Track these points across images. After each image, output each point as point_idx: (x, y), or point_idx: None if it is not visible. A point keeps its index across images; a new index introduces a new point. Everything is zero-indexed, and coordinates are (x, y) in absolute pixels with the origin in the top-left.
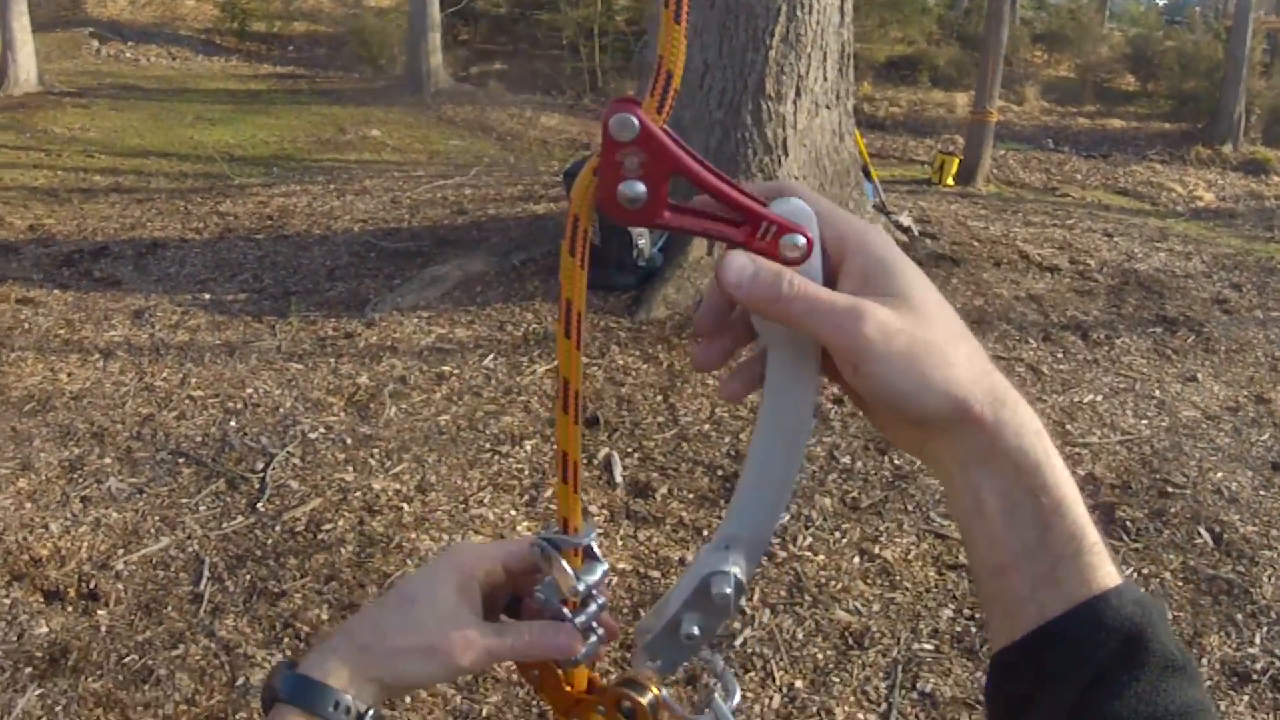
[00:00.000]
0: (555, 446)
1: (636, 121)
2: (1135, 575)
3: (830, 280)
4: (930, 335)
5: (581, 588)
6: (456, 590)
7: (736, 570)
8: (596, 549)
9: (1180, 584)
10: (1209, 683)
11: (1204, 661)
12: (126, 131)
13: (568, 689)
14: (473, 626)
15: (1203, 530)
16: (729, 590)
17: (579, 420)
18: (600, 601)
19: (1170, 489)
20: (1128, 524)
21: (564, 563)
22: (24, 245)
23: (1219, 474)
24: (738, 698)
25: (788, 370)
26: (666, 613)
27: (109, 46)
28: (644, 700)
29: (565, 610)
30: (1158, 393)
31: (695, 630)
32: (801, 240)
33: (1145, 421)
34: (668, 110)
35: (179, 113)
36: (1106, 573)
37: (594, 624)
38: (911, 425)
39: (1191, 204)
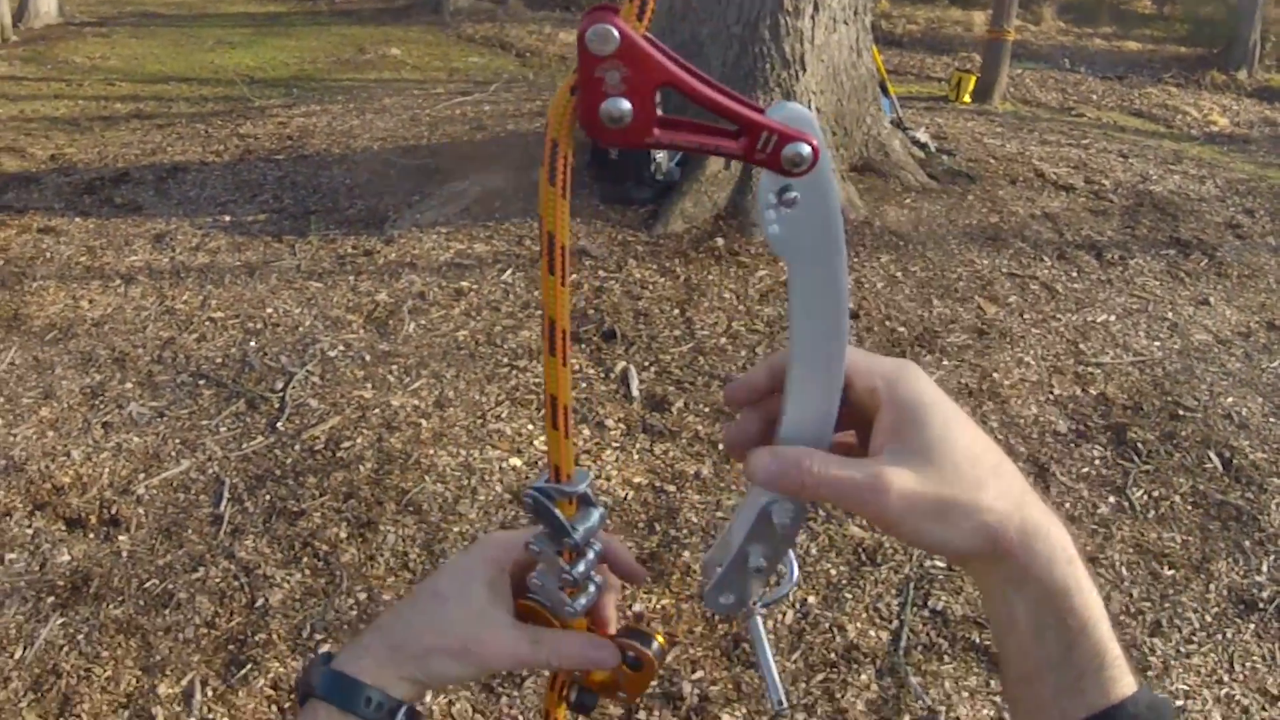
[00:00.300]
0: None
1: (616, 32)
2: (1146, 497)
3: (865, 429)
4: (956, 490)
5: (578, 537)
6: (487, 587)
7: (790, 499)
8: (591, 495)
9: (1190, 508)
10: (1216, 610)
11: (1211, 588)
12: (147, 58)
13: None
14: (505, 629)
15: (1213, 455)
16: (789, 520)
17: (566, 362)
18: (597, 548)
19: (1181, 412)
20: (1139, 445)
21: (558, 513)
22: (45, 175)
23: (1229, 399)
24: (795, 574)
25: (813, 284)
26: (731, 547)
27: None
28: (650, 650)
29: (562, 562)
30: (1170, 315)
31: (762, 562)
32: (806, 149)
33: (1158, 343)
34: (648, 16)
35: (199, 38)
36: (1125, 683)
37: (591, 573)
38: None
39: (1206, 128)
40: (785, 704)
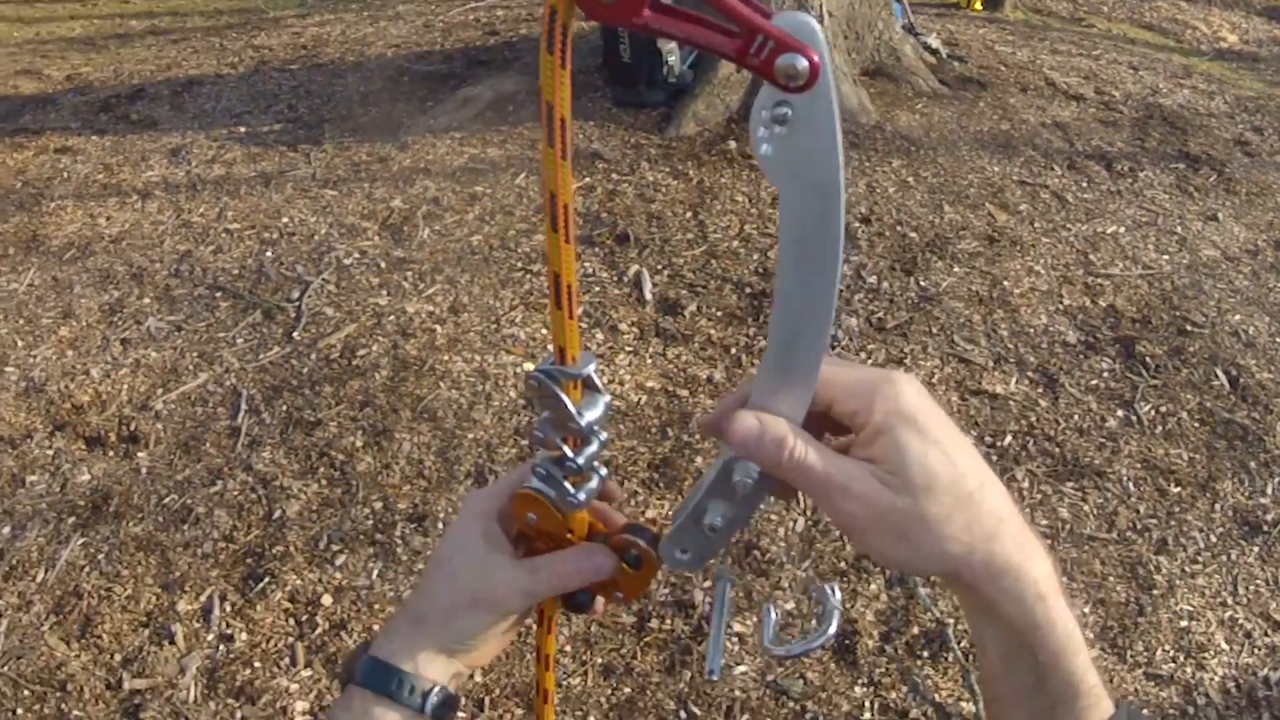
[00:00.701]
0: (546, 268)
1: None
2: (1154, 412)
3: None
4: (924, 511)
5: (584, 423)
6: (482, 539)
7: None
8: (598, 380)
9: (1196, 425)
10: (1220, 530)
11: (1216, 508)
12: None
13: (569, 536)
14: (506, 569)
15: (1219, 372)
16: (751, 479)
17: (570, 239)
18: (602, 438)
19: (1189, 327)
20: (1147, 360)
21: (563, 396)
22: (61, 95)
23: (1237, 316)
24: (833, 628)
25: (806, 215)
26: (691, 501)
27: None
28: (651, 546)
29: (566, 448)
30: (1179, 229)
31: (719, 521)
32: (803, 63)
33: (1166, 257)
34: None
35: None
36: (1102, 708)
37: (595, 464)
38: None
39: (1215, 44)
40: (717, 675)
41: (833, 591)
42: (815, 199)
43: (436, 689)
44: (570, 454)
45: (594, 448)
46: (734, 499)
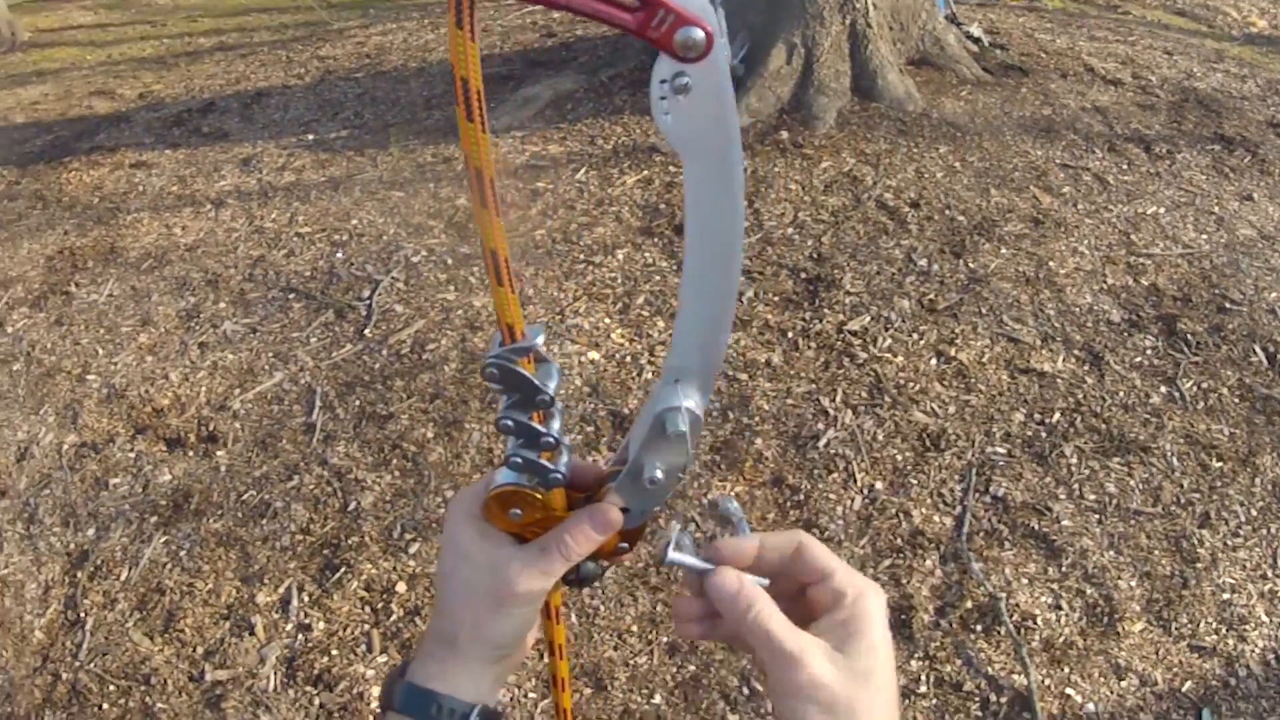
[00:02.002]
0: (483, 245)
1: None
2: (1195, 388)
3: (810, 623)
4: (856, 696)
5: (551, 392)
6: (480, 539)
7: (689, 404)
8: (544, 351)
9: (1236, 400)
10: (1261, 505)
11: (1257, 482)
12: None
13: (556, 515)
14: (515, 559)
15: (1258, 349)
16: (684, 427)
17: (500, 213)
18: (559, 407)
19: (1228, 305)
20: (1188, 337)
21: (526, 373)
22: (135, 113)
23: (1273, 294)
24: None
25: (708, 181)
26: (627, 458)
27: None
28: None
29: (536, 425)
30: (1216, 209)
31: (659, 474)
32: (699, 34)
33: (1205, 236)
34: None
35: None
36: None
37: (562, 438)
38: None
39: (1245, 29)
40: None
41: (731, 500)
42: (715, 163)
43: (476, 710)
44: (542, 429)
45: (558, 420)
46: (668, 448)
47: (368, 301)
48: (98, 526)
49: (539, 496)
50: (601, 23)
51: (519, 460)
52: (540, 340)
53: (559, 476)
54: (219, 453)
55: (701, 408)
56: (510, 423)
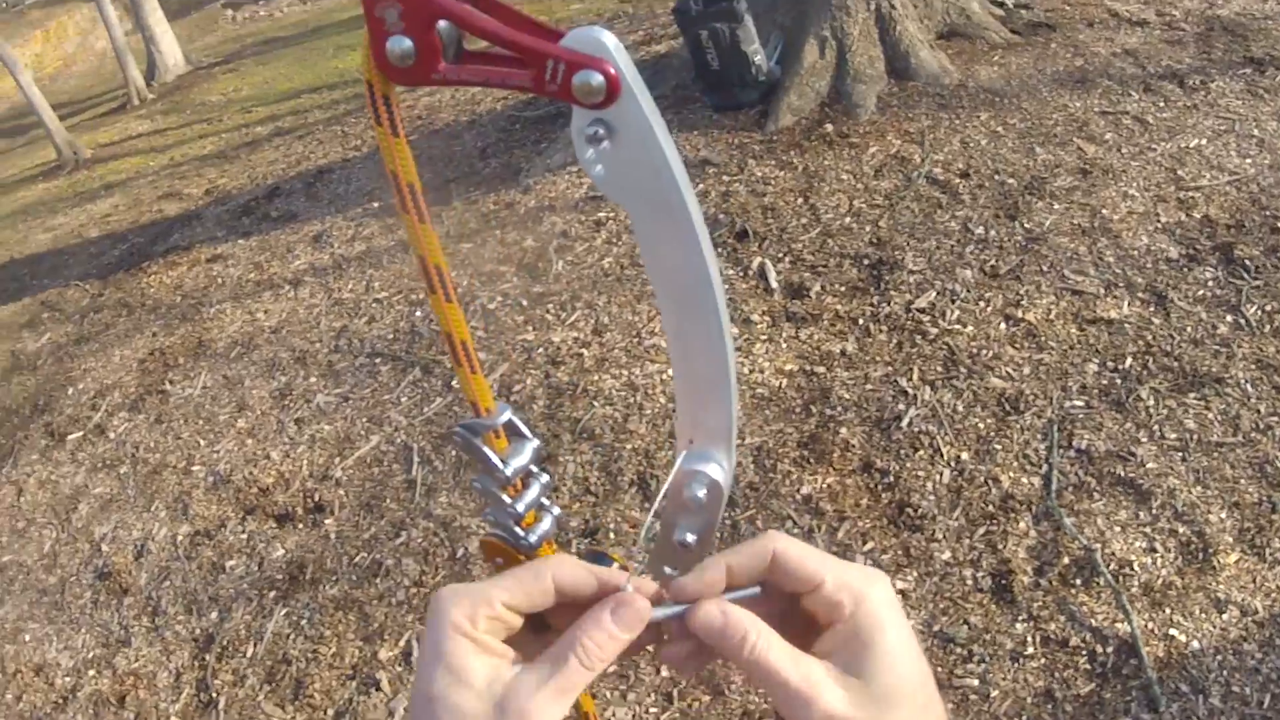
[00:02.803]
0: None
1: None
2: (1260, 313)
3: (815, 631)
4: None
5: (509, 471)
6: (477, 652)
7: (707, 468)
8: (522, 426)
9: None
10: None
11: None
12: (277, 80)
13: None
14: (521, 683)
15: None
16: (702, 493)
17: (452, 298)
18: (544, 480)
19: None
20: (1246, 262)
21: (484, 448)
22: (204, 209)
23: None
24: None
25: (656, 228)
26: (660, 524)
27: (242, 11)
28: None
29: (504, 497)
30: (1256, 131)
31: (689, 537)
32: (597, 78)
33: (1249, 160)
34: None
35: (320, 49)
36: None
37: (544, 501)
38: None
39: None
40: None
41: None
42: (659, 207)
43: None
44: (509, 501)
45: (534, 491)
46: (693, 512)
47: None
48: (220, 609)
49: (520, 558)
50: (503, 89)
51: (491, 519)
52: (505, 417)
53: (526, 545)
54: (327, 521)
55: (725, 469)
56: (479, 488)
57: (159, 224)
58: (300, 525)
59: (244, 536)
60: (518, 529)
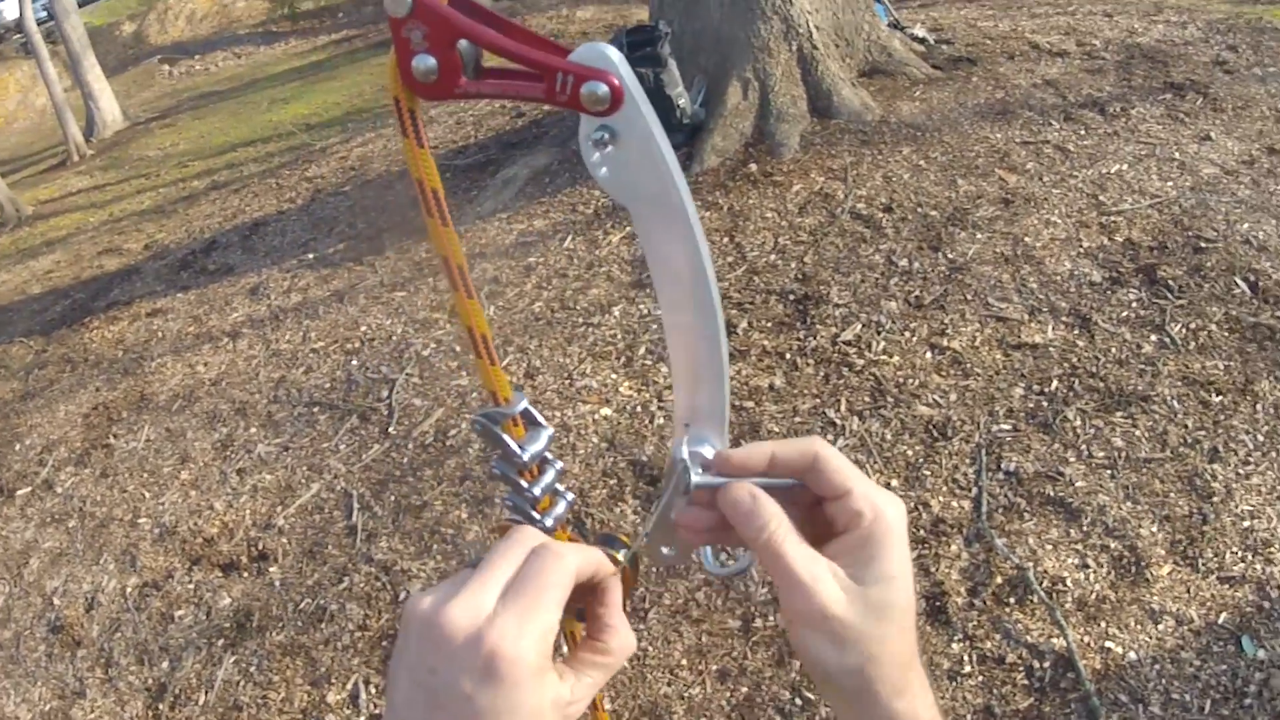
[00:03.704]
0: (461, 325)
1: None
2: (1184, 330)
3: (830, 533)
4: (869, 629)
5: (527, 456)
6: (557, 704)
7: (703, 449)
8: (537, 415)
9: (1226, 334)
10: (1266, 429)
11: (1258, 408)
12: (212, 134)
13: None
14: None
15: (1239, 280)
16: (697, 477)
17: (472, 294)
18: (558, 467)
19: (1203, 244)
20: (1169, 283)
21: (503, 435)
22: (143, 264)
23: (1245, 225)
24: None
25: (656, 225)
26: (659, 505)
27: (179, 66)
28: (621, 555)
29: (522, 481)
30: (1177, 155)
31: None
32: (603, 89)
33: (1170, 183)
34: None
35: (254, 103)
36: None
37: (557, 487)
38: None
39: None
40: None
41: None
42: (659, 205)
43: None
44: (526, 485)
45: (549, 476)
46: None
47: (387, 401)
48: (170, 658)
49: None
50: (520, 100)
51: (510, 504)
52: (522, 405)
53: (542, 527)
54: (271, 569)
55: (722, 442)
56: (498, 472)
57: (100, 279)
58: (245, 574)
59: (191, 586)
60: (534, 512)
